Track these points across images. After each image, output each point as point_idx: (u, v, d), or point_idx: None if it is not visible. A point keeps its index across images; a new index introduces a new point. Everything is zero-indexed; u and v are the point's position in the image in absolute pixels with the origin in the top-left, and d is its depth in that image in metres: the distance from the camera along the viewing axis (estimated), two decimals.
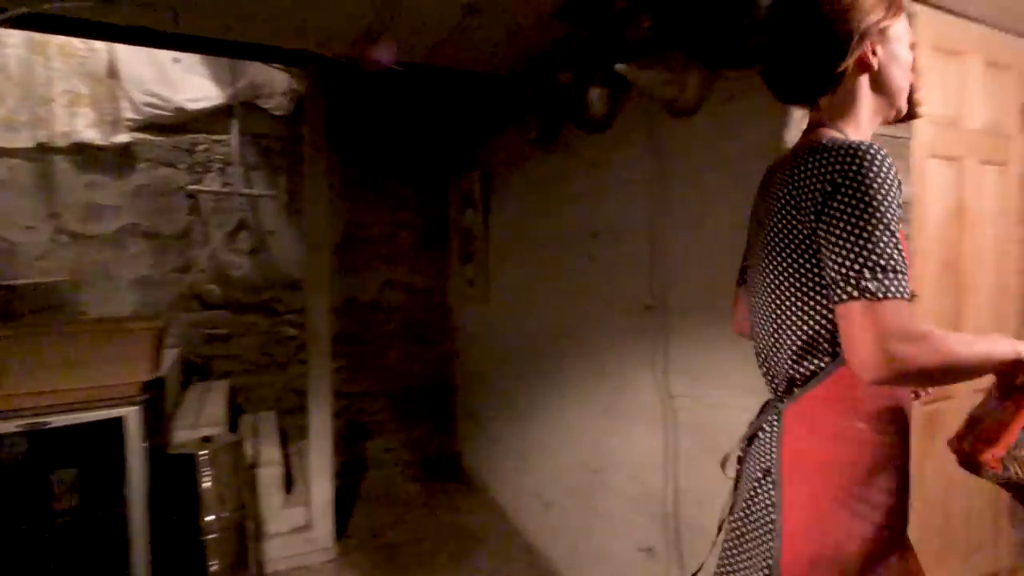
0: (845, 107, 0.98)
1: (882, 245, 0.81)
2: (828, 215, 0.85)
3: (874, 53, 0.95)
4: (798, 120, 1.51)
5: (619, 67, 1.77)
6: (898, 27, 0.97)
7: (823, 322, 0.92)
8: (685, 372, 1.89)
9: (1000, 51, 2.04)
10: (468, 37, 2.30)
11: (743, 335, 1.29)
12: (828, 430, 0.94)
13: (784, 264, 0.94)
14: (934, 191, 1.83)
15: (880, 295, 0.80)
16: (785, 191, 0.93)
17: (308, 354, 2.90)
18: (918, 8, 1.73)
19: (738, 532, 1.02)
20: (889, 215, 0.82)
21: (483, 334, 3.67)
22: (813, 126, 1.01)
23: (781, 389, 1.01)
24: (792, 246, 0.92)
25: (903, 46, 0.98)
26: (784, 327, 0.96)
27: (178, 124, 3.27)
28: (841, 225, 0.83)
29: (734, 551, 1.02)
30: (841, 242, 0.83)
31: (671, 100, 1.78)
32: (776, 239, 0.95)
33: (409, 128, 3.92)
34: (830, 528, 0.90)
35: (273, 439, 3.06)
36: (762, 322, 1.04)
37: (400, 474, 3.89)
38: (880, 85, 0.98)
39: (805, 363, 0.95)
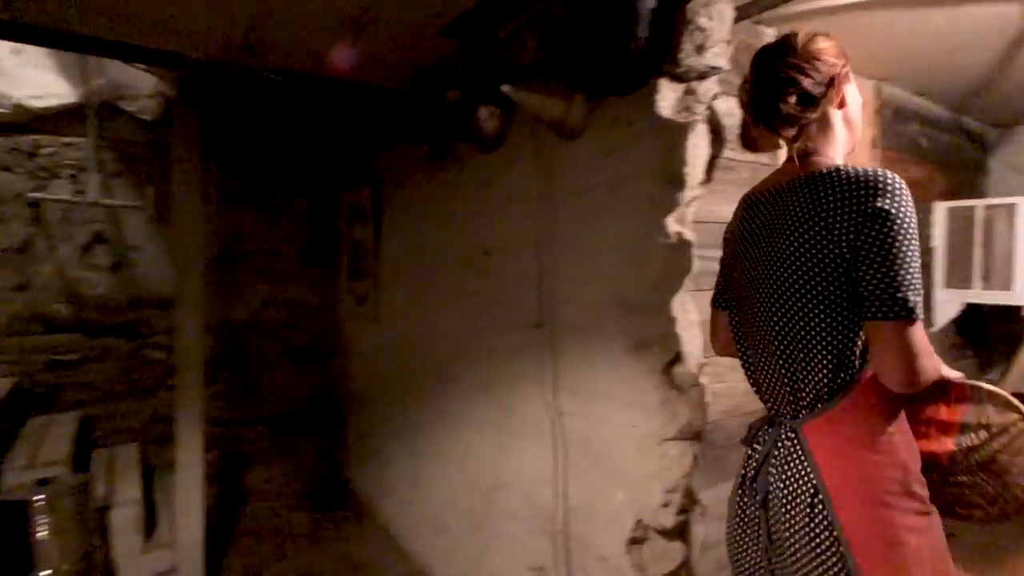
0: (828, 139, 1.11)
1: (914, 269, 0.92)
2: (864, 238, 0.94)
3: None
4: (681, 145, 1.56)
5: (505, 88, 1.79)
6: (850, 73, 1.13)
7: (853, 335, 1.00)
8: (572, 389, 1.92)
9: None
10: (356, 49, 2.22)
11: (729, 356, 1.32)
12: (860, 441, 1.01)
13: (814, 283, 1.01)
14: None
15: (915, 317, 0.91)
16: (808, 215, 1.01)
17: (177, 379, 2.64)
18: None
19: (796, 556, 1.04)
20: (916, 239, 0.93)
21: (374, 354, 3.54)
22: (804, 155, 1.10)
23: (803, 404, 1.06)
24: (821, 265, 1.00)
25: (855, 89, 1.14)
26: (818, 344, 1.02)
27: (17, 123, 2.89)
28: (875, 249, 0.93)
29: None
30: (876, 265, 0.93)
31: (557, 122, 1.82)
32: (801, 260, 1.02)
33: (297, 138, 3.71)
34: (889, 529, 0.98)
35: (132, 475, 2.75)
36: (781, 341, 1.08)
37: (283, 505, 3.63)
38: (848, 120, 1.13)
39: (840, 377, 1.02)
